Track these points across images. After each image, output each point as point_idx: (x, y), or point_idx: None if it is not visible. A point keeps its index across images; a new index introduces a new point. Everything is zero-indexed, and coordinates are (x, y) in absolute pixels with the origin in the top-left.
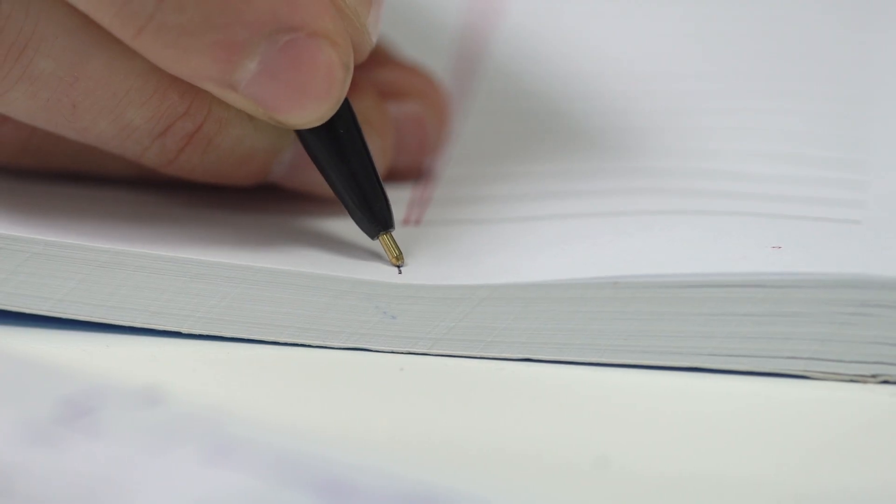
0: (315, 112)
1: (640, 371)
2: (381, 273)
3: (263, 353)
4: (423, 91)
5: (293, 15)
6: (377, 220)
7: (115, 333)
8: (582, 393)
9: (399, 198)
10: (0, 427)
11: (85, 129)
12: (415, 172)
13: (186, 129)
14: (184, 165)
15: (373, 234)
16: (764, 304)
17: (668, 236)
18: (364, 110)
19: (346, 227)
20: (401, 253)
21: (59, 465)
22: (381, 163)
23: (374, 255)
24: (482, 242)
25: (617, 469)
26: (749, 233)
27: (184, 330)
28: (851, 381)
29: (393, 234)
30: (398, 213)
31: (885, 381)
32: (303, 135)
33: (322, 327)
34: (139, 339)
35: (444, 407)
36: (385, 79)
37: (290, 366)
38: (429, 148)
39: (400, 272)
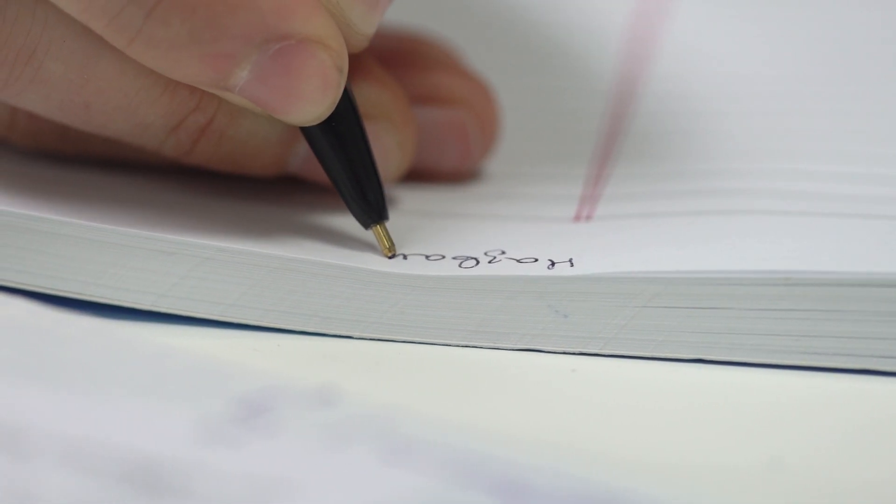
0: (311, 112)
1: (812, 373)
2: (553, 270)
3: (436, 353)
4: (469, 98)
5: (282, 23)
6: (371, 210)
7: (285, 333)
8: (754, 394)
9: (570, 195)
10: (177, 427)
11: (102, 125)
12: (458, 176)
13: (199, 122)
14: (201, 156)
15: (366, 224)
16: None
17: (841, 238)
18: (382, 104)
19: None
20: (392, 244)
21: (236, 465)
22: (396, 157)
23: (538, 252)
24: (653, 236)
25: (791, 471)
26: None
27: (355, 335)
28: None
29: (386, 224)
30: (569, 210)
31: None
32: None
33: (494, 329)
34: (309, 338)
35: (618, 408)
36: (433, 83)
37: (464, 365)
38: (470, 155)
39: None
